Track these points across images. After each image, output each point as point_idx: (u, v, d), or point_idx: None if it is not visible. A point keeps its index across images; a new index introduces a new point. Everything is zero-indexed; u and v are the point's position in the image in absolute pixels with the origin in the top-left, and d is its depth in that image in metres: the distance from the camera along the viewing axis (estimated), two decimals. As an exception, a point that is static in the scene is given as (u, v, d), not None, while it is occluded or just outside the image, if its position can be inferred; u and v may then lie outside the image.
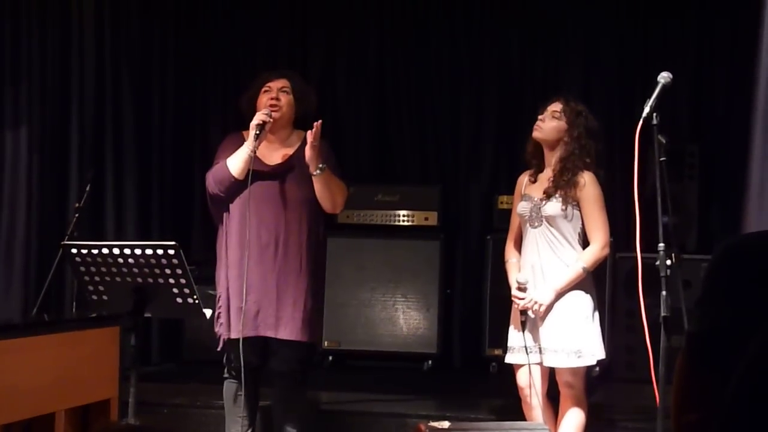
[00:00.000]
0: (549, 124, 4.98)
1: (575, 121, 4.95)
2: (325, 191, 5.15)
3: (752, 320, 1.19)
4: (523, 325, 4.90)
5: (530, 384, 4.93)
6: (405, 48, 8.22)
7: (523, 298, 4.89)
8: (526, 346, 4.88)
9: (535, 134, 5.01)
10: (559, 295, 4.88)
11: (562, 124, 4.97)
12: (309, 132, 5.02)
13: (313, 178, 5.11)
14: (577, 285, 4.91)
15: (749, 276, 1.79)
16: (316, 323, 5.33)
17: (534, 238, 4.99)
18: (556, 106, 5.00)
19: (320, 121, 5.04)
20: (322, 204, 5.20)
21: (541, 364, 4.93)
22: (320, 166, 5.08)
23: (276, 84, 5.28)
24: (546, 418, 4.94)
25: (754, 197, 5.05)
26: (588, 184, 4.93)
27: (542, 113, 5.02)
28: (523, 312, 4.89)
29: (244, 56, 8.26)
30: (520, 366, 4.96)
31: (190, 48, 8.23)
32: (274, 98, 5.22)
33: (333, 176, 5.18)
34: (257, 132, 5.04)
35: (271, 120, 5.10)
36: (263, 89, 5.28)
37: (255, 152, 5.06)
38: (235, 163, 5.11)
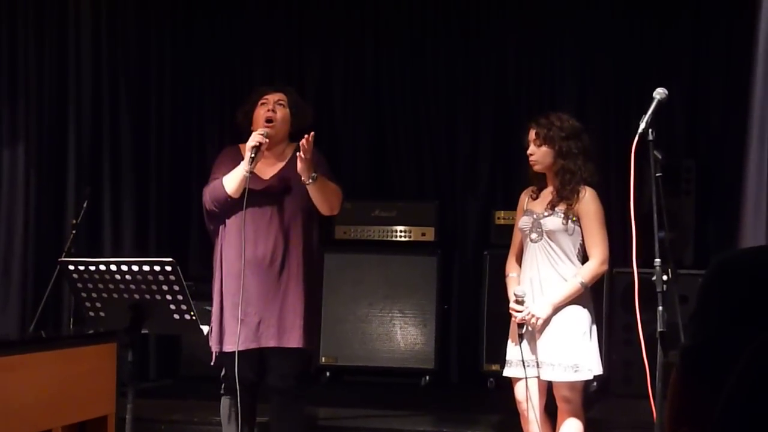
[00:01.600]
0: (537, 152, 5.00)
1: (558, 136, 4.95)
2: (321, 197, 5.18)
3: (744, 335, 1.20)
4: (520, 338, 4.91)
5: (527, 398, 4.93)
6: (401, 63, 8.24)
7: (520, 311, 4.90)
8: (523, 360, 4.89)
9: (536, 168, 5.03)
10: (557, 310, 4.89)
11: (545, 148, 4.98)
12: (302, 142, 5.03)
13: (308, 187, 5.13)
14: (575, 300, 4.92)
15: (741, 291, 1.80)
16: (314, 332, 5.35)
17: (534, 252, 5.00)
18: (532, 134, 5.01)
19: (312, 133, 5.05)
20: (319, 208, 5.22)
21: (538, 378, 4.94)
22: (312, 175, 5.10)
23: (273, 97, 5.30)
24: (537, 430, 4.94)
25: (750, 212, 5.06)
26: (589, 199, 4.94)
27: (527, 146, 5.03)
28: (521, 325, 4.90)
29: (241, 70, 8.28)
30: (519, 380, 4.97)
31: (187, 61, 8.25)
32: (270, 110, 5.25)
33: (326, 181, 5.20)
34: (253, 155, 5.06)
35: (267, 141, 5.12)
36: (260, 102, 5.30)
37: (251, 173, 5.08)
38: (231, 182, 5.13)
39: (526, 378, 4.90)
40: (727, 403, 1.20)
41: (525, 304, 4.91)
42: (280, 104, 5.29)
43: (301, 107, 5.40)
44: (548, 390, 5.00)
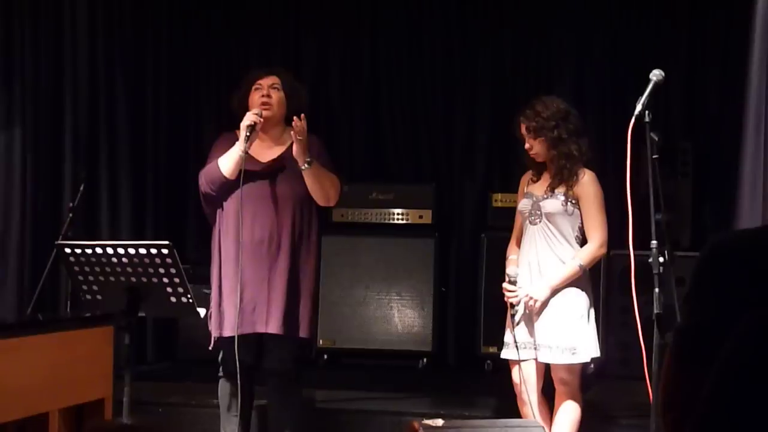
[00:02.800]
0: (535, 145, 5.00)
1: (547, 126, 4.95)
2: (316, 185, 5.16)
3: (738, 317, 1.20)
4: (511, 318, 4.93)
5: (522, 380, 4.95)
6: (398, 46, 8.23)
7: (512, 291, 4.92)
8: (516, 342, 4.90)
9: (539, 160, 5.04)
10: (555, 292, 4.90)
11: (540, 139, 4.97)
12: (294, 123, 5.02)
13: (303, 172, 5.11)
14: (573, 282, 4.93)
15: (735, 273, 1.79)
16: (312, 318, 5.34)
17: (533, 235, 5.01)
18: (522, 128, 5.02)
19: (303, 115, 5.03)
20: (315, 198, 5.20)
21: (536, 360, 4.95)
22: (307, 160, 5.09)
23: (266, 81, 5.27)
24: (541, 415, 4.96)
25: (747, 194, 5.07)
26: (588, 181, 4.95)
27: (523, 141, 5.03)
28: (512, 305, 4.91)
29: (238, 55, 8.26)
30: (515, 362, 4.98)
31: (184, 47, 8.23)
32: (265, 95, 5.23)
33: (322, 170, 5.18)
34: (248, 133, 5.05)
35: (262, 120, 5.10)
36: (254, 87, 5.27)
37: (246, 152, 5.06)
38: (227, 163, 5.12)
39: (519, 361, 4.92)
40: (714, 385, 1.20)
41: (518, 285, 4.92)
42: (275, 88, 5.26)
43: (296, 89, 5.37)
44: (546, 372, 5.02)
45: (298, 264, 5.21)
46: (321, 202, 5.24)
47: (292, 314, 5.17)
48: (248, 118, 5.08)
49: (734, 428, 1.17)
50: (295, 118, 5.03)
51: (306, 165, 5.09)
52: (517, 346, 4.90)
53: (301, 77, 7.75)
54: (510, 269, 4.99)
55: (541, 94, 5.20)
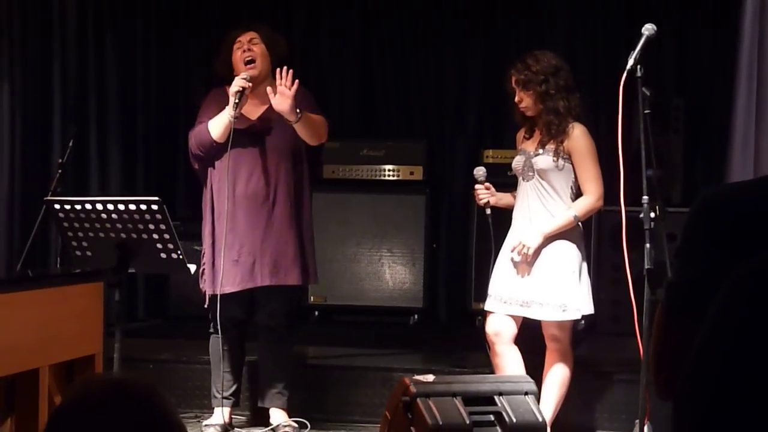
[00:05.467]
0: (525, 99, 4.98)
1: (536, 80, 4.93)
2: (308, 132, 5.20)
3: (729, 270, 1.19)
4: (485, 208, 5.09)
5: (497, 332, 4.97)
6: (389, 3, 8.17)
7: (482, 192, 5.10)
8: (499, 296, 4.93)
9: (528, 114, 5.03)
10: (546, 247, 4.90)
11: (529, 92, 4.96)
12: (278, 83, 5.02)
13: (294, 126, 5.12)
14: (565, 237, 4.93)
15: (726, 226, 1.78)
16: (311, 267, 5.39)
17: (526, 190, 5.02)
18: (513, 81, 5.00)
19: (285, 68, 5.07)
20: (308, 141, 5.23)
21: (513, 316, 4.96)
22: (297, 111, 5.09)
23: (245, 37, 5.31)
24: (508, 364, 4.96)
25: (738, 150, 5.06)
26: (579, 135, 4.93)
27: (513, 94, 5.02)
28: (485, 207, 5.12)
29: (228, 15, 8.18)
30: (492, 313, 5.00)
31: (173, 5, 8.17)
32: (246, 50, 5.23)
33: (311, 117, 5.20)
34: (237, 100, 5.06)
35: (250, 84, 5.10)
36: (235, 46, 5.30)
37: (236, 118, 5.07)
38: (216, 127, 5.14)
39: (497, 313, 4.94)
40: (703, 340, 1.19)
41: (485, 185, 5.13)
42: (254, 42, 5.29)
43: (275, 40, 5.41)
44: (537, 329, 5.03)
45: (293, 215, 5.24)
46: (313, 143, 5.28)
47: (294, 264, 5.20)
48: (237, 84, 5.08)
49: (721, 384, 1.16)
50: (277, 71, 5.04)
51: (296, 118, 5.09)
52: (499, 300, 4.94)
53: (293, 32, 7.74)
54: (477, 169, 5.16)
55: (533, 50, 5.16)
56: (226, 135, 5.09)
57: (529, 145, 5.05)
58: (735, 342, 1.17)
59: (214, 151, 5.18)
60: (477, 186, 5.12)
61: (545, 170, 4.95)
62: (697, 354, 1.19)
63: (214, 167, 5.24)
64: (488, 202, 5.12)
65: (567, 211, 4.91)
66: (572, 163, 4.95)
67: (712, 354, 1.19)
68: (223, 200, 5.17)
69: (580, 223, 4.98)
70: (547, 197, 4.96)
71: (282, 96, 5.03)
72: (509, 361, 4.97)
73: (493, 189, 5.15)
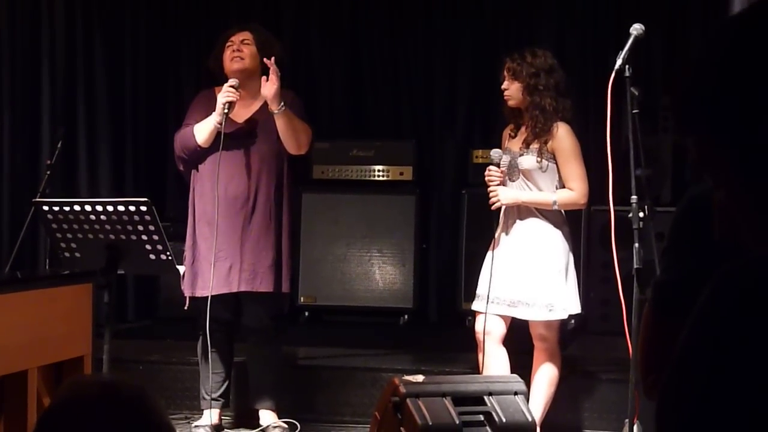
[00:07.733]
0: (510, 87, 4.97)
1: (527, 72, 4.92)
2: (288, 130, 5.17)
3: (716, 269, 1.19)
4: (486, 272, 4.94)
5: (485, 331, 4.96)
6: (378, 4, 8.16)
7: (495, 174, 4.95)
8: (488, 297, 4.91)
9: (510, 104, 5.02)
10: (534, 241, 4.89)
11: (516, 83, 4.95)
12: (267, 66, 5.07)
13: (275, 116, 5.13)
14: (551, 237, 4.92)
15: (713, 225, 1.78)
16: (288, 274, 5.37)
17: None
18: (507, 69, 4.99)
19: (273, 58, 5.10)
20: (287, 145, 5.21)
21: (502, 316, 4.95)
22: (281, 104, 5.11)
23: (237, 37, 5.33)
24: (495, 364, 4.96)
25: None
26: (563, 135, 4.92)
27: (503, 81, 5.01)
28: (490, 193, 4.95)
29: (217, 13, 8.17)
30: (481, 313, 5.00)
31: (162, 5, 8.16)
32: (236, 50, 5.24)
33: (295, 117, 5.19)
34: (226, 110, 5.08)
35: (239, 96, 5.11)
36: (226, 44, 5.31)
37: (222, 125, 5.08)
38: (202, 132, 5.17)
39: (486, 313, 4.93)
40: (684, 340, 1.19)
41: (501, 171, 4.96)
42: (246, 43, 5.31)
43: (268, 42, 5.40)
44: (525, 329, 5.03)
45: (273, 220, 5.23)
46: (292, 149, 5.24)
47: (269, 271, 5.19)
48: (226, 96, 5.09)
49: (700, 387, 1.16)
50: (265, 59, 5.07)
51: (279, 108, 5.11)
52: (488, 300, 4.92)
53: (282, 33, 7.72)
54: (493, 151, 5.01)
55: (522, 47, 5.16)
56: (211, 140, 5.13)
57: (514, 145, 5.05)
58: (716, 342, 1.17)
59: (198, 155, 5.22)
60: (491, 167, 5.01)
61: (529, 170, 4.95)
62: (679, 353, 1.19)
63: (198, 170, 5.26)
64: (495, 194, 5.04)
65: (549, 194, 4.91)
66: (556, 164, 4.94)
67: (694, 353, 1.19)
68: (204, 202, 5.19)
69: (566, 224, 4.99)
70: (532, 197, 4.97)
71: (271, 83, 5.07)
72: (496, 361, 4.97)
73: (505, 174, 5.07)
